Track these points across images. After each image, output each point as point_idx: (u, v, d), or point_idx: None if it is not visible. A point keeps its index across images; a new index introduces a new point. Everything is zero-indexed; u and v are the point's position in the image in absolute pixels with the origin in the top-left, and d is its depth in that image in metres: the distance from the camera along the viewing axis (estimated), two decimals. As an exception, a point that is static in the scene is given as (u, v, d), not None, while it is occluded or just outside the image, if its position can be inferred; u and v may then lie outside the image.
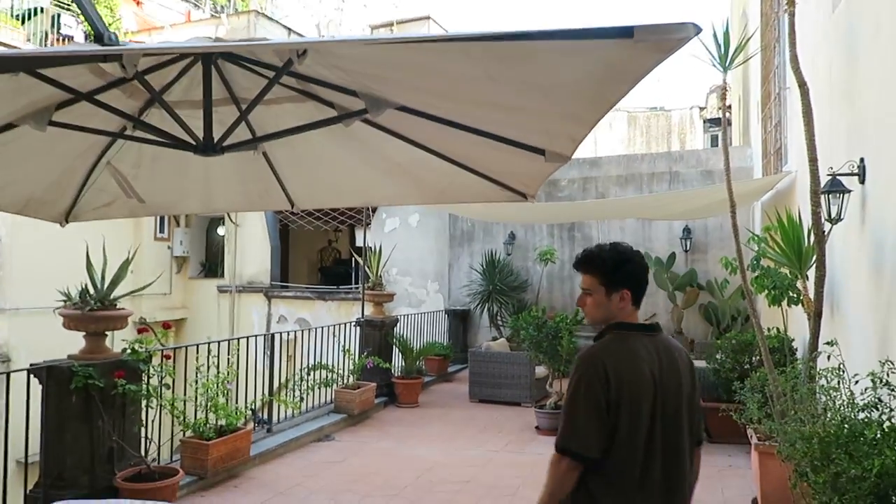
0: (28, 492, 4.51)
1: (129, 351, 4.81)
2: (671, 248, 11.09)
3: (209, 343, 6.07)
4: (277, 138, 3.25)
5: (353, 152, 3.78)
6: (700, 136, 23.97)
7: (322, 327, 8.66)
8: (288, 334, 10.06)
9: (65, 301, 4.80)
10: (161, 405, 5.23)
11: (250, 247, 14.59)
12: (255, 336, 7.00)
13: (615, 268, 2.18)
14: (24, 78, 2.44)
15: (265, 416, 6.91)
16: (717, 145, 18.13)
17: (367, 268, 9.13)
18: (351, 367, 8.13)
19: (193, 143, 2.96)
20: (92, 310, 4.68)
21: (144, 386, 4.85)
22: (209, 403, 5.66)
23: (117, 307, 4.89)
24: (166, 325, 5.29)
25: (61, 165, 3.68)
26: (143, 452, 4.96)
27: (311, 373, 7.73)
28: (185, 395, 5.67)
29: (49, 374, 4.50)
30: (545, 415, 7.26)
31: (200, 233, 15.65)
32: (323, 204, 4.52)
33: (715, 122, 21.59)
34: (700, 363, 7.49)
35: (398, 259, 12.90)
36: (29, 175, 3.67)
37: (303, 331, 9.04)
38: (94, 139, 3.48)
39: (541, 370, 8.71)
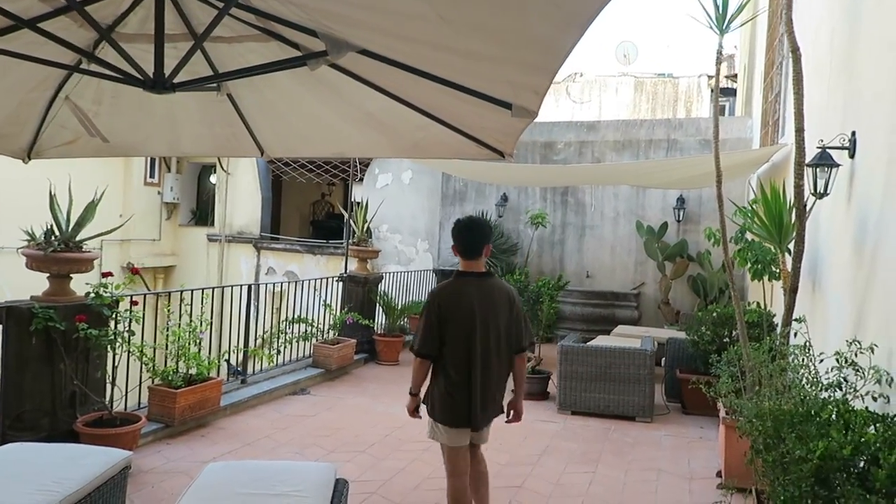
0: (-14, 432, 4.46)
1: (92, 295, 4.71)
2: (664, 218, 10.95)
3: (182, 291, 5.98)
4: (234, 78, 3.10)
5: (323, 100, 3.63)
6: (707, 105, 23.55)
7: (305, 281, 8.58)
8: (274, 286, 9.99)
9: (28, 240, 4.69)
10: (129, 351, 5.16)
11: (241, 196, 14.43)
12: (233, 286, 6.90)
13: (452, 231, 3.48)
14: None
15: (241, 368, 6.87)
16: (723, 115, 17.82)
17: (352, 222, 8.99)
18: (332, 321, 8.07)
19: (142, 78, 2.80)
20: (55, 251, 4.56)
21: (110, 331, 4.75)
22: (180, 352, 5.60)
23: (83, 249, 4.77)
24: (134, 271, 5.17)
25: (15, 97, 3.52)
26: (107, 398, 4.90)
27: (291, 326, 7.68)
28: (155, 342, 5.60)
29: (8, 315, 4.40)
30: (522, 378, 7.22)
31: (192, 180, 15.47)
32: (293, 152, 4.38)
33: (722, 91, 21.18)
34: (680, 335, 7.43)
35: (389, 216, 12.77)
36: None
37: (286, 283, 8.96)
38: (47, 72, 3.32)
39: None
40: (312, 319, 7.84)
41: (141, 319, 5.17)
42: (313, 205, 17.53)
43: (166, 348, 5.66)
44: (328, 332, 8.04)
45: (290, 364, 7.60)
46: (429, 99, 3.30)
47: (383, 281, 9.50)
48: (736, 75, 21.44)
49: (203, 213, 15.25)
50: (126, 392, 5.32)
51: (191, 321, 5.79)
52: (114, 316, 4.85)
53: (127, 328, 4.91)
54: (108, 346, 4.75)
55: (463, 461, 3.42)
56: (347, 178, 13.82)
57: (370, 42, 2.70)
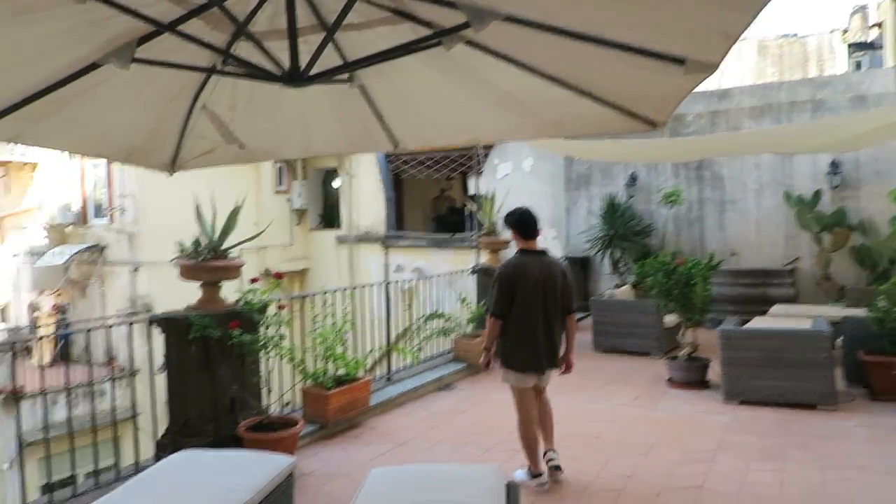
0: (158, 438, 4.60)
1: (242, 302, 4.76)
2: (815, 186, 9.93)
3: (325, 293, 5.98)
4: (369, 64, 2.91)
5: (457, 83, 3.39)
6: (842, 63, 21.35)
7: (437, 276, 8.47)
8: (405, 283, 9.99)
9: (180, 252, 4.81)
10: (280, 355, 5.21)
11: (365, 197, 14.65)
12: (373, 285, 6.88)
13: (506, 220, 4.42)
14: (94, 7, 2.22)
15: (385, 366, 6.83)
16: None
17: (480, 215, 8.77)
18: (468, 315, 7.89)
19: (279, 73, 2.69)
20: (204, 259, 4.64)
21: (261, 336, 4.79)
22: (327, 353, 5.61)
23: (229, 256, 4.84)
24: (277, 276, 5.20)
25: (155, 110, 3.54)
26: (264, 402, 4.95)
27: (428, 322, 7.58)
28: (303, 345, 5.63)
29: (168, 325, 4.53)
30: (678, 367, 6.71)
31: (317, 185, 15.90)
32: (428, 142, 4.18)
33: (861, 45, 19.14)
34: (857, 312, 6.63)
35: (513, 205, 12.41)
36: (124, 121, 3.56)
37: (418, 280, 8.90)
38: (184, 81, 3.29)
39: (670, 319, 8.11)
40: (448, 314, 7.71)
41: (289, 323, 5.20)
42: (434, 200, 17.54)
43: (314, 350, 5.68)
44: (467, 326, 7.88)
45: (431, 360, 7.50)
46: (577, 69, 2.98)
47: (515, 272, 9.22)
48: (879, 24, 19.33)
49: (330, 216, 15.63)
50: (281, 395, 5.38)
51: (334, 322, 5.79)
52: (263, 321, 4.89)
53: (277, 332, 4.93)
54: (261, 351, 4.78)
55: (529, 400, 4.31)
56: (465, 171, 13.68)
57: (519, 5, 2.42)
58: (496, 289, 4.17)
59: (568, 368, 4.37)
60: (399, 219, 15.79)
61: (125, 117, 3.59)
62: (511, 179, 12.63)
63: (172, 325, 4.53)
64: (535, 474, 4.24)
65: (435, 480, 3.14)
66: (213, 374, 4.62)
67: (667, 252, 9.13)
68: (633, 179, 11.37)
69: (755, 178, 10.51)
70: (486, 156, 13.02)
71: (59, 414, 11.48)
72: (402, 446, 5.17)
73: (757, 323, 6.78)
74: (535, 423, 4.29)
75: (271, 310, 5.02)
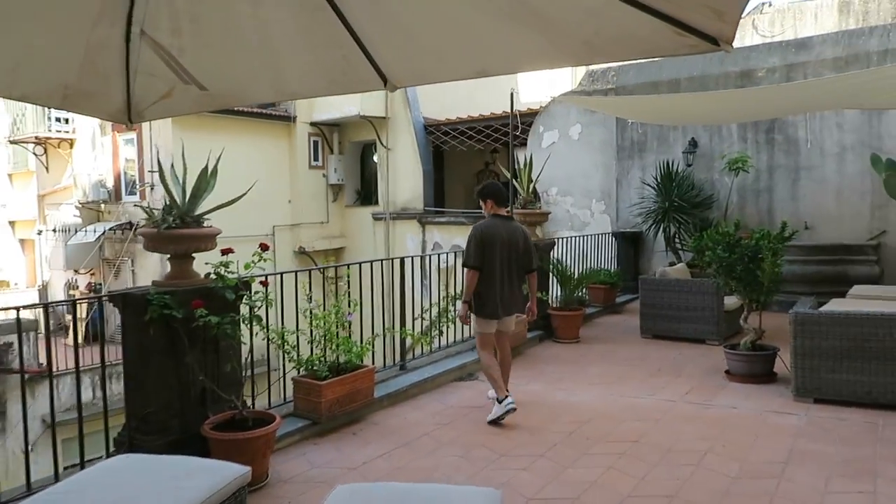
0: (115, 436, 3.98)
1: (213, 276, 4.06)
2: (909, 147, 8.61)
3: (324, 268, 5.27)
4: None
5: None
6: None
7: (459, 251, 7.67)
8: (439, 259, 9.21)
9: (147, 220, 4.14)
10: (268, 339, 4.52)
11: (403, 172, 13.92)
12: (384, 260, 6.13)
13: (481, 193, 5.10)
14: None
15: (398, 352, 6.10)
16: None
17: (516, 184, 7.90)
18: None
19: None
20: (169, 227, 3.96)
21: (234, 317, 4.09)
22: (326, 336, 4.89)
23: (203, 224, 4.15)
24: (263, 247, 4.47)
25: (74, 37, 2.82)
26: (243, 394, 4.27)
27: (453, 303, 6.79)
28: (297, 328, 4.92)
29: (125, 303, 3.87)
30: (739, 357, 5.73)
31: (354, 160, 15.26)
32: (424, 78, 3.41)
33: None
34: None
35: (558, 177, 11.53)
36: (35, 52, 2.85)
37: (451, 256, 8.10)
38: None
39: (731, 301, 7.09)
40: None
41: (274, 302, 4.49)
42: (477, 175, 16.64)
43: (311, 334, 4.97)
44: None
45: (454, 345, 6.72)
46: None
47: (555, 248, 8.32)
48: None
49: (367, 192, 14.98)
50: (269, 386, 4.70)
51: (336, 301, 5.07)
52: (242, 299, 4.19)
53: (254, 313, 4.23)
54: (233, 335, 4.08)
55: (489, 340, 4.95)
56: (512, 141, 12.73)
57: None
58: (473, 244, 4.82)
59: (531, 314, 5.19)
60: (440, 195, 15.02)
61: (33, 46, 2.89)
62: (557, 148, 11.66)
63: (129, 303, 3.86)
64: (500, 399, 4.78)
65: (407, 506, 2.38)
66: (179, 361, 3.95)
67: (728, 223, 8.07)
68: (692, 145, 10.24)
69: (836, 139, 9.24)
70: (528, 125, 12.08)
71: (73, 397, 11.27)
72: (404, 447, 4.41)
73: (836, 306, 5.73)
74: (494, 359, 4.97)
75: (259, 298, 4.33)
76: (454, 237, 13.03)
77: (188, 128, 11.98)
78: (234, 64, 3.35)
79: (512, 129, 8.00)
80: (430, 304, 6.67)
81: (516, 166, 7.99)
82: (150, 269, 12.60)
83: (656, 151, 10.70)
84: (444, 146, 13.78)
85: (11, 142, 14.40)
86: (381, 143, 13.90)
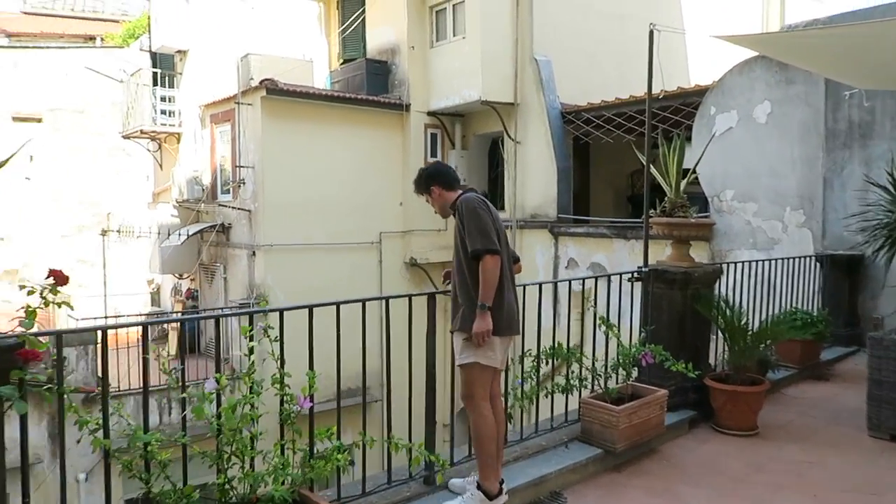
0: None
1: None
2: None
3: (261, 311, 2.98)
4: None
5: None
6: None
7: (601, 277, 5.05)
8: (570, 286, 6.64)
9: None
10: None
11: (534, 170, 11.41)
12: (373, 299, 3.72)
13: (424, 182, 3.49)
14: None
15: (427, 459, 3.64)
16: None
17: (658, 177, 5.12)
18: (618, 356, 4.37)
19: None
20: None
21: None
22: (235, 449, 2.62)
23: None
24: (57, 276, 2.24)
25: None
26: None
27: (551, 360, 4.23)
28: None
29: None
30: None
31: (480, 156, 12.95)
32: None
33: None
34: None
35: (735, 175, 8.42)
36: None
37: (577, 280, 5.51)
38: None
39: None
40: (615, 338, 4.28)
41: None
42: (631, 175, 13.57)
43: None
44: (614, 375, 4.38)
45: (537, 435, 4.16)
46: None
47: (723, 277, 5.42)
48: None
49: (494, 195, 12.61)
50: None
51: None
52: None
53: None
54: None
55: (489, 380, 3.37)
56: (671, 132, 9.72)
57: None
58: (480, 221, 3.20)
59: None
60: (584, 199, 12.29)
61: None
62: (735, 136, 8.54)
63: None
64: (491, 496, 3.27)
65: None
66: None
67: None
68: (951, 128, 6.74)
69: None
70: (695, 107, 9.04)
71: (153, 419, 10.02)
72: None
73: None
74: (496, 424, 3.34)
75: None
76: (593, 253, 10.28)
77: (278, 116, 10.38)
78: None
79: (650, 98, 5.22)
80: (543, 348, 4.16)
81: (663, 150, 5.21)
82: (239, 276, 11.18)
83: (889, 137, 7.27)
84: (585, 138, 11.06)
85: (124, 137, 13.84)
86: (508, 135, 11.47)
